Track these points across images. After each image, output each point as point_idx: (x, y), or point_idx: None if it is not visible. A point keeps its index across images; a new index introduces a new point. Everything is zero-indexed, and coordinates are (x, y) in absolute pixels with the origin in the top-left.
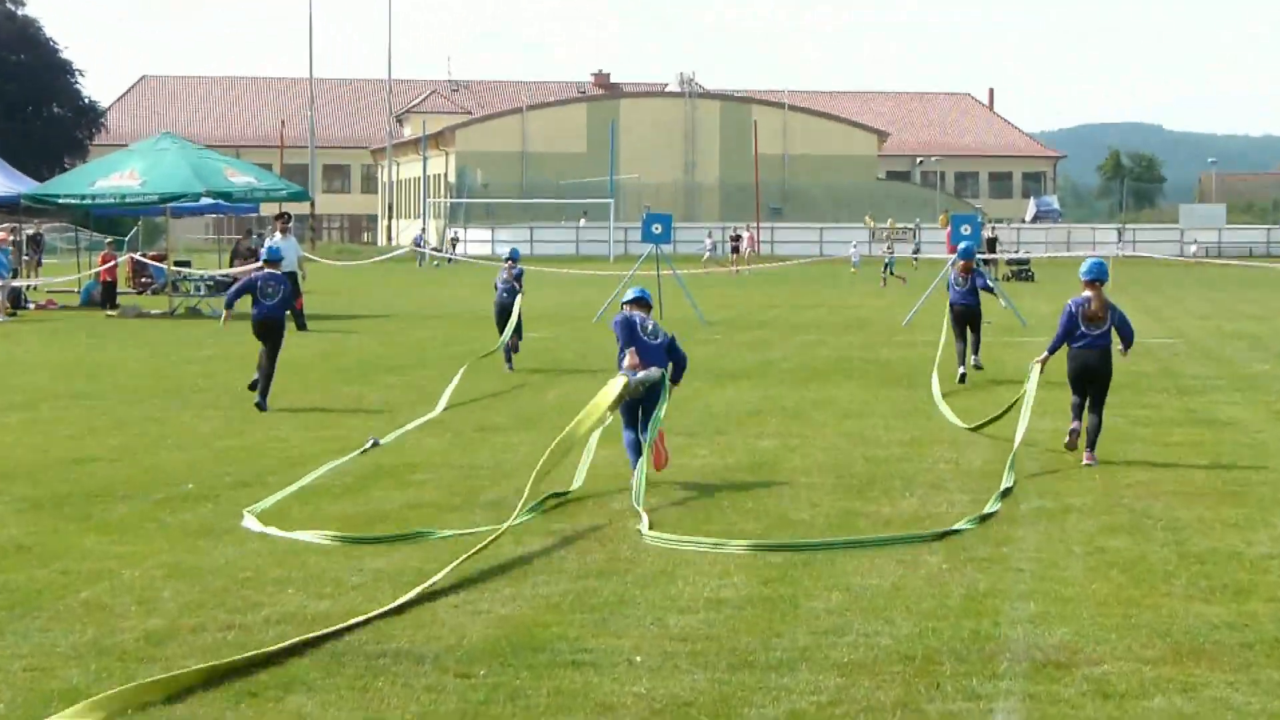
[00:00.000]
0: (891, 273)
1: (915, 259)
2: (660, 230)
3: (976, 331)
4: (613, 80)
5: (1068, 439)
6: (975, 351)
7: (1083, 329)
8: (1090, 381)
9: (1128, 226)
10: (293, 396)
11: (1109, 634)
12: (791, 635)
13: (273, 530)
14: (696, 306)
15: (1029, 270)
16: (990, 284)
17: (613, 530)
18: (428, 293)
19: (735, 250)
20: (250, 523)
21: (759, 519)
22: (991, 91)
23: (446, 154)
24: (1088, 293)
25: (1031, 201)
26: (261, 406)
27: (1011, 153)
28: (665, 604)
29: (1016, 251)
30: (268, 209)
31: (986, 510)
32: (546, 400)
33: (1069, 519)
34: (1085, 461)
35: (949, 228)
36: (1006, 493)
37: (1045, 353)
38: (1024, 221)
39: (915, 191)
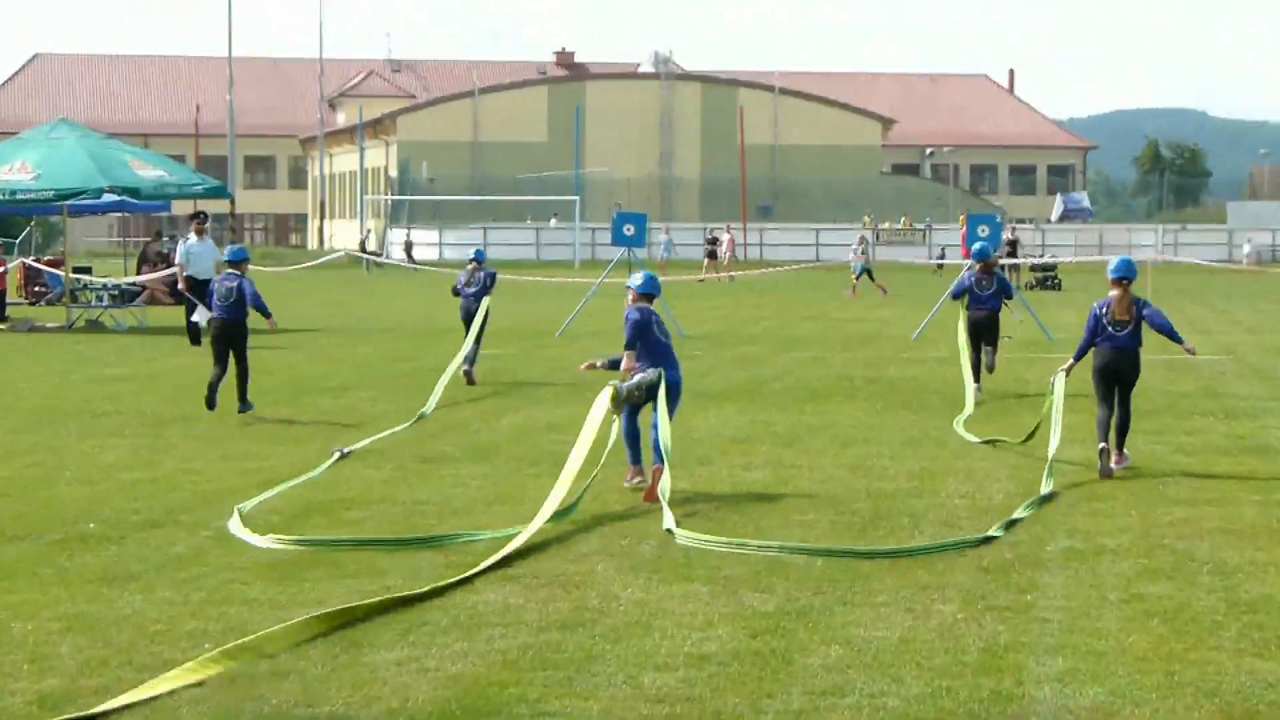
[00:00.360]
0: (871, 279)
1: (939, 265)
2: (633, 231)
3: (994, 342)
4: (577, 60)
5: (1100, 465)
6: (991, 357)
7: (1109, 329)
8: (1116, 381)
9: (1168, 227)
10: (209, 423)
11: (1149, 694)
12: (784, 696)
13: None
14: (675, 320)
15: (1055, 277)
16: (1012, 289)
17: (580, 575)
18: (371, 303)
19: (712, 255)
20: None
21: (745, 562)
22: (1012, 73)
23: (387, 144)
24: (1114, 292)
25: (1058, 199)
26: (247, 406)
27: (1035, 143)
28: (639, 660)
29: (1041, 256)
30: (180, 207)
31: (1028, 507)
32: (501, 428)
33: (1102, 561)
34: (1114, 464)
35: (964, 229)
36: (1046, 499)
37: (1070, 360)
38: (1049, 222)
39: (925, 187)
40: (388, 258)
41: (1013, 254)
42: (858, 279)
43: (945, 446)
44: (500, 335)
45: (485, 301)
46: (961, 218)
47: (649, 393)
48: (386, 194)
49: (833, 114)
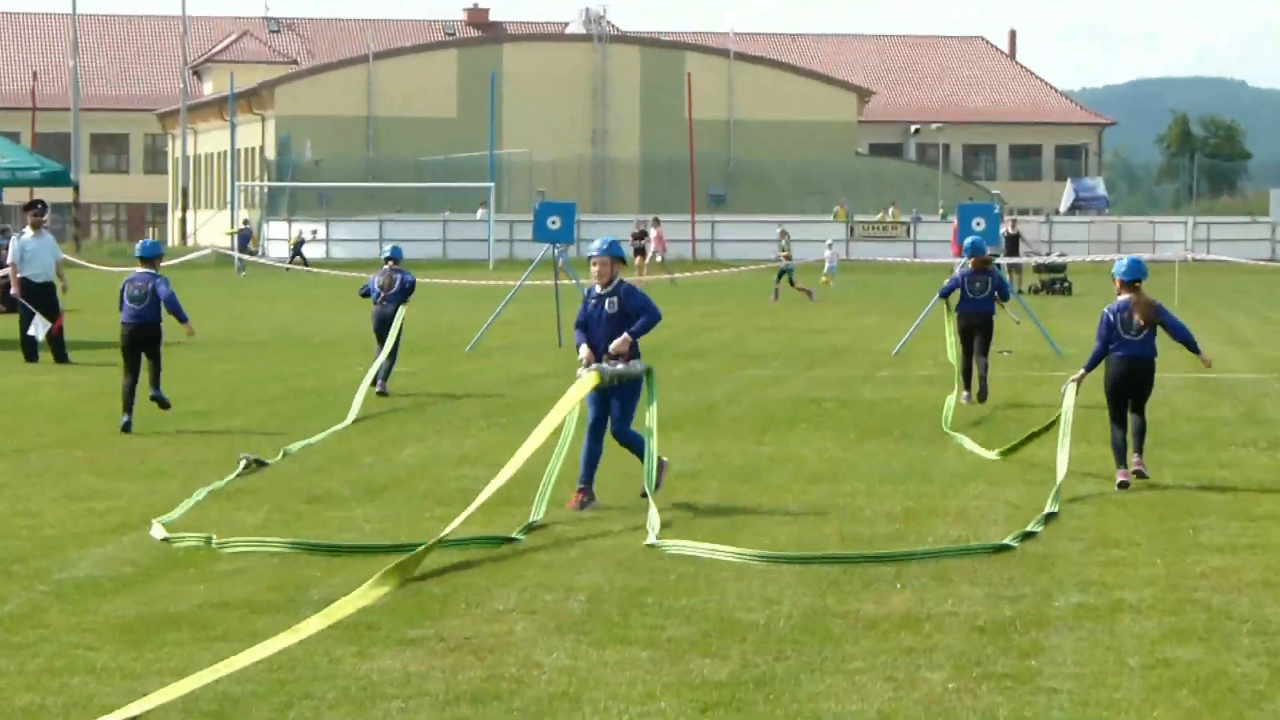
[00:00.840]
0: (791, 283)
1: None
2: (558, 225)
3: (986, 351)
4: (493, 19)
5: (1118, 477)
6: (983, 377)
7: (1125, 336)
8: (1131, 392)
9: (1200, 219)
10: (49, 454)
11: None
12: None
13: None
14: None
15: (1064, 280)
16: (1009, 289)
17: (495, 637)
18: (243, 311)
19: (640, 253)
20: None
21: (693, 620)
22: (1013, 35)
23: (263, 119)
24: (1125, 295)
25: (1068, 186)
26: (163, 403)
27: (1041, 118)
28: None
29: (1048, 254)
30: (13, 195)
31: (1030, 529)
32: (400, 460)
33: (1121, 620)
34: (1134, 467)
35: (956, 221)
36: (1049, 518)
37: (1081, 369)
38: (1058, 213)
39: (909, 172)
40: (264, 256)
41: (1013, 251)
42: (789, 283)
43: (932, 482)
44: (401, 349)
45: (401, 310)
46: (951, 220)
47: (628, 384)
48: (262, 179)
49: (798, 84)
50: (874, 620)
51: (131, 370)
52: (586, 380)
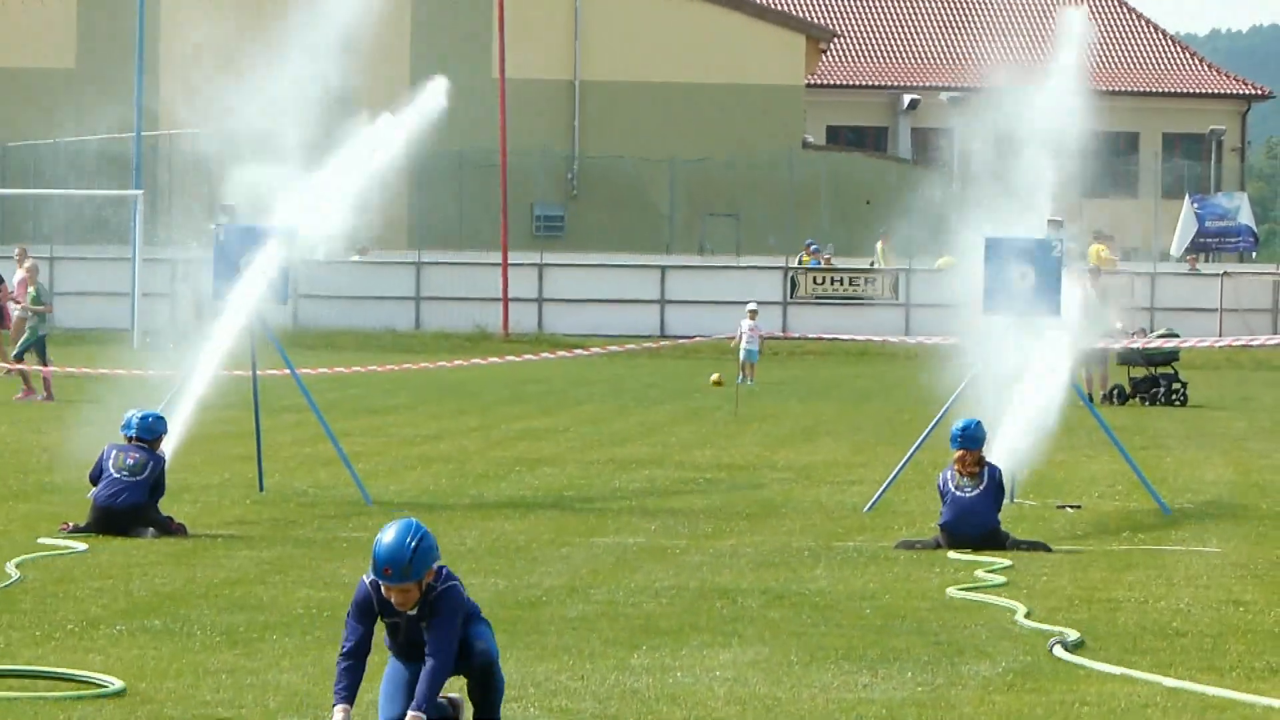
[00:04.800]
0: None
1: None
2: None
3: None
4: None
5: None
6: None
7: None
8: None
9: None
10: None
11: None
12: None
13: None
14: (351, 465)
15: (1175, 377)
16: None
17: None
18: None
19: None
20: None
21: None
22: None
23: None
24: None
25: (1185, 207)
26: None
27: (1133, 85)
28: None
29: (1149, 332)
30: None
31: None
32: None
33: None
34: None
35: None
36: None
37: None
38: (1171, 257)
39: (898, 175)
40: None
41: (1103, 302)
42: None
43: None
44: None
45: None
46: (943, 260)
47: None
48: None
49: (699, 14)
50: None
51: None
52: None
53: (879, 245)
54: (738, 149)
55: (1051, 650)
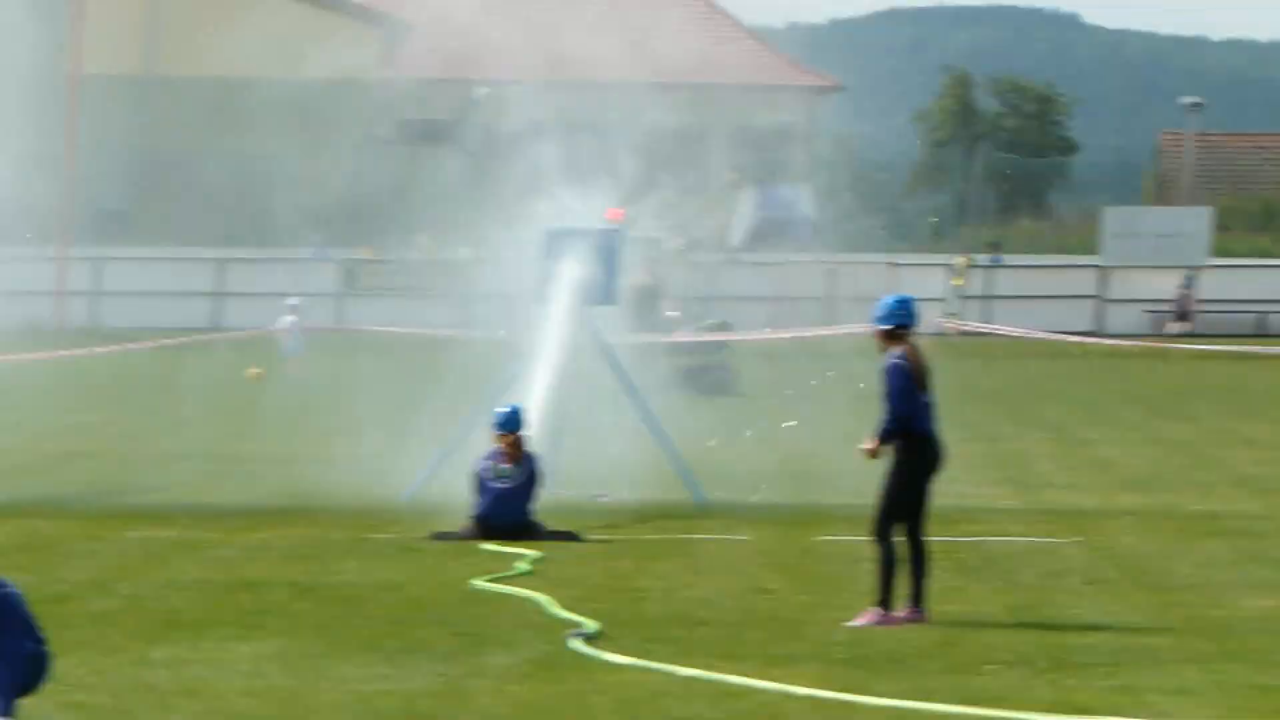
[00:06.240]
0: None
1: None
2: None
3: None
4: None
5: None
6: None
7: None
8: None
9: (984, 262)
10: None
11: None
12: None
13: None
14: None
15: (722, 365)
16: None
17: None
18: None
19: None
20: None
21: None
22: None
23: None
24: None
25: (748, 198)
26: None
27: (702, 75)
28: None
29: (704, 321)
30: None
31: None
32: None
33: None
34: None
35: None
36: None
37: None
38: (730, 249)
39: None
40: None
41: (649, 314)
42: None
43: None
44: None
45: None
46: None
47: None
48: None
49: (278, 10)
50: None
51: None
52: None
53: (425, 238)
54: (311, 143)
55: (568, 643)
